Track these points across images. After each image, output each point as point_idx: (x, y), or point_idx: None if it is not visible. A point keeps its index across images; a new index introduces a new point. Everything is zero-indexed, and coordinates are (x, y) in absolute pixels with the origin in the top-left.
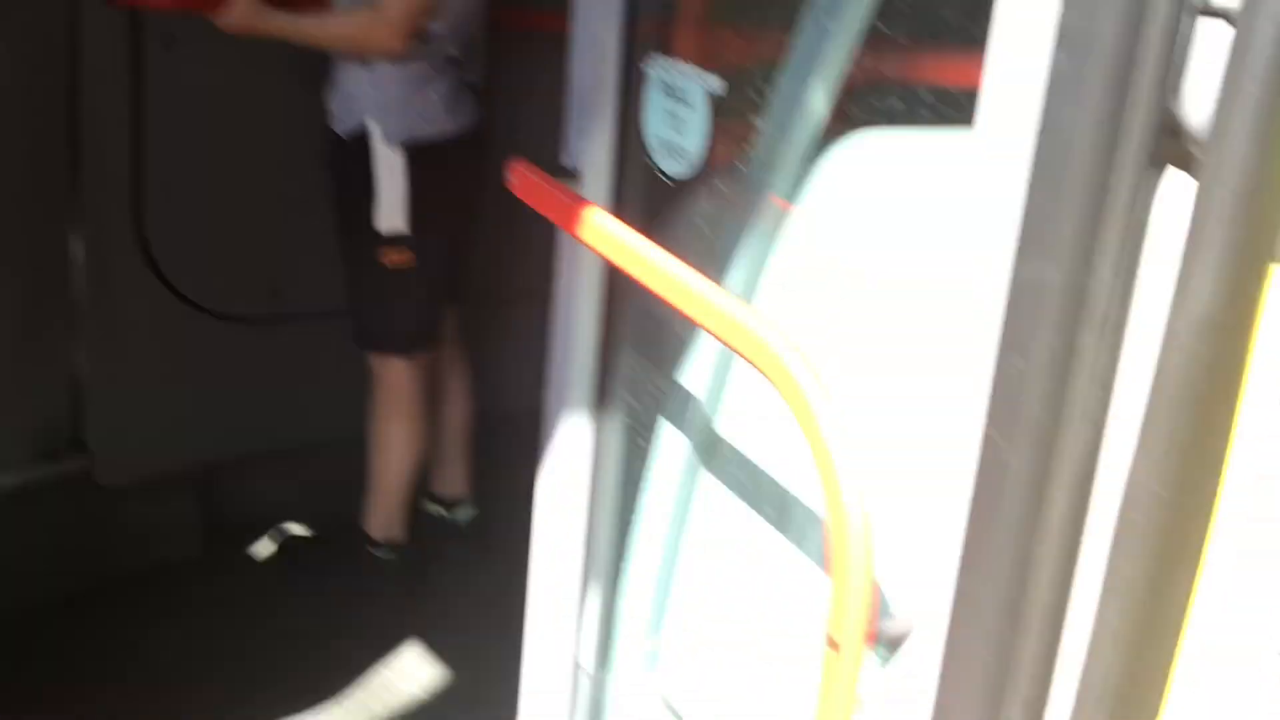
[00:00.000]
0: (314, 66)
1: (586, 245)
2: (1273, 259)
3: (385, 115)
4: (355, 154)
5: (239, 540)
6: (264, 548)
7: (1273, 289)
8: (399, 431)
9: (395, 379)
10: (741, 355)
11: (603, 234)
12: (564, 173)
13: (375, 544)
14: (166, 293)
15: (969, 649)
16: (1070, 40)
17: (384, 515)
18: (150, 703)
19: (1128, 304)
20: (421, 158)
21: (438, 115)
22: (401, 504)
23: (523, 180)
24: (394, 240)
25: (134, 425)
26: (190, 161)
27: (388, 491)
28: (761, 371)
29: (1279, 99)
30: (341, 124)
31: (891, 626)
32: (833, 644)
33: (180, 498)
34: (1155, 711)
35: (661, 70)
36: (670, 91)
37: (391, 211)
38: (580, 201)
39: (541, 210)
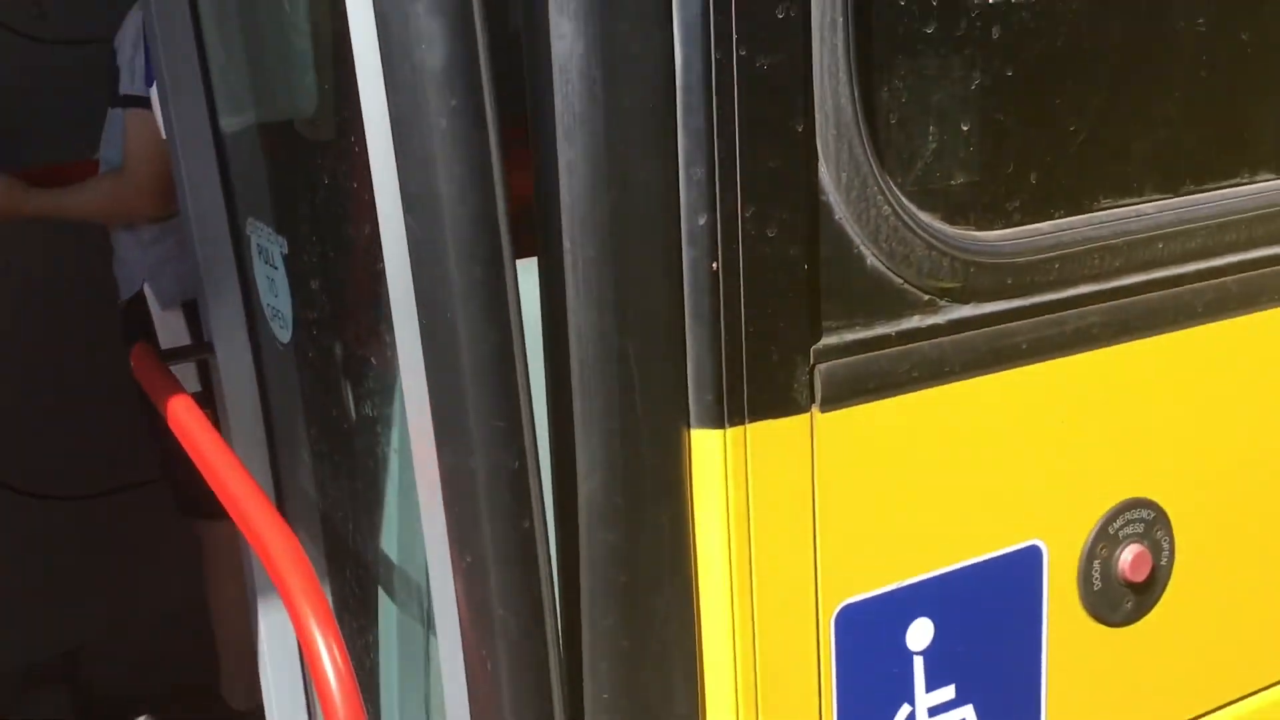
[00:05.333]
0: (100, 237)
1: (175, 430)
2: None
3: (157, 277)
4: (138, 319)
5: None
6: None
7: None
8: (235, 594)
9: (220, 541)
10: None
11: (183, 422)
12: (203, 348)
13: (240, 715)
14: None
15: None
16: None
17: (242, 683)
18: None
19: None
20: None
21: None
22: (255, 669)
23: (140, 363)
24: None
25: None
26: None
27: (239, 657)
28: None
29: None
30: (122, 290)
31: None
32: None
33: (49, 690)
34: None
35: (258, 234)
36: (265, 255)
37: (181, 374)
38: (175, 393)
39: (150, 394)
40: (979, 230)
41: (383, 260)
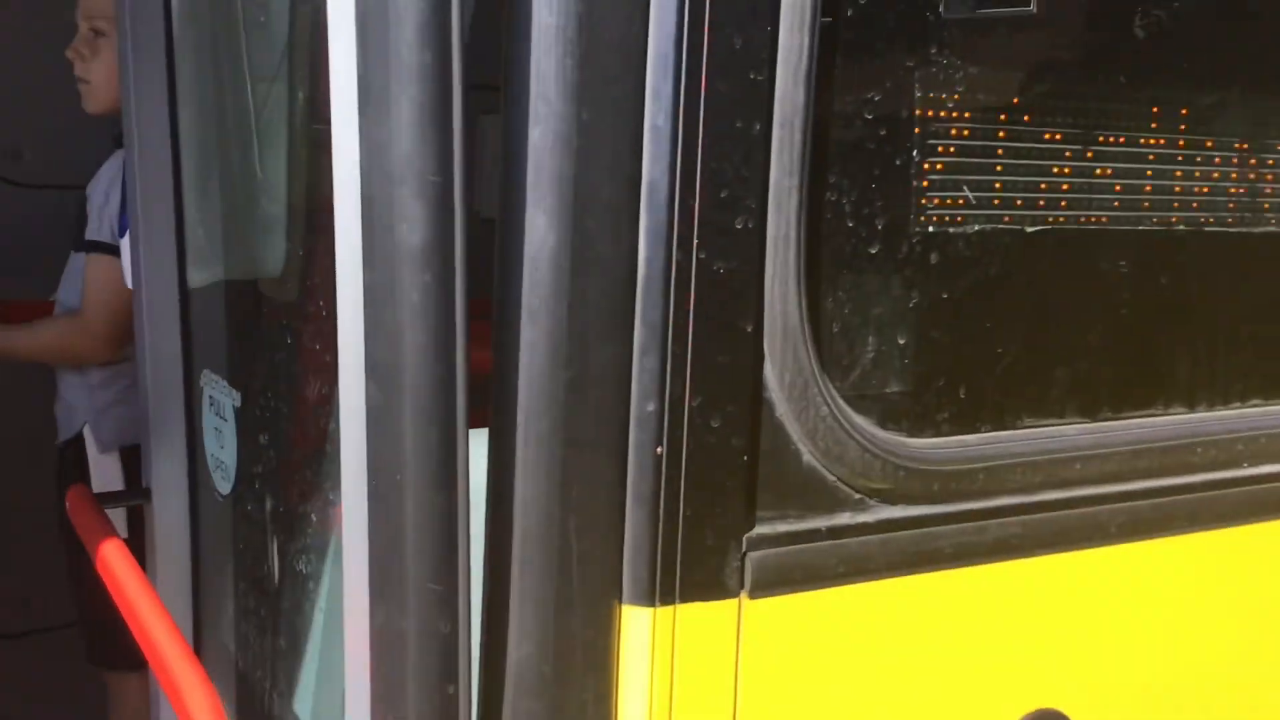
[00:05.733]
0: (44, 375)
1: (103, 573)
2: None
3: (99, 420)
4: (72, 461)
5: None
6: None
7: None
8: None
9: (129, 695)
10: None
11: (111, 566)
12: (140, 493)
13: None
14: None
15: None
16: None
17: None
18: None
19: None
20: (138, 462)
21: None
22: None
23: (75, 505)
24: None
25: None
26: None
27: None
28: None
29: None
30: (61, 431)
31: None
32: None
33: None
34: None
35: (210, 385)
36: (216, 407)
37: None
38: (107, 537)
39: (83, 538)
40: (909, 437)
41: (336, 420)
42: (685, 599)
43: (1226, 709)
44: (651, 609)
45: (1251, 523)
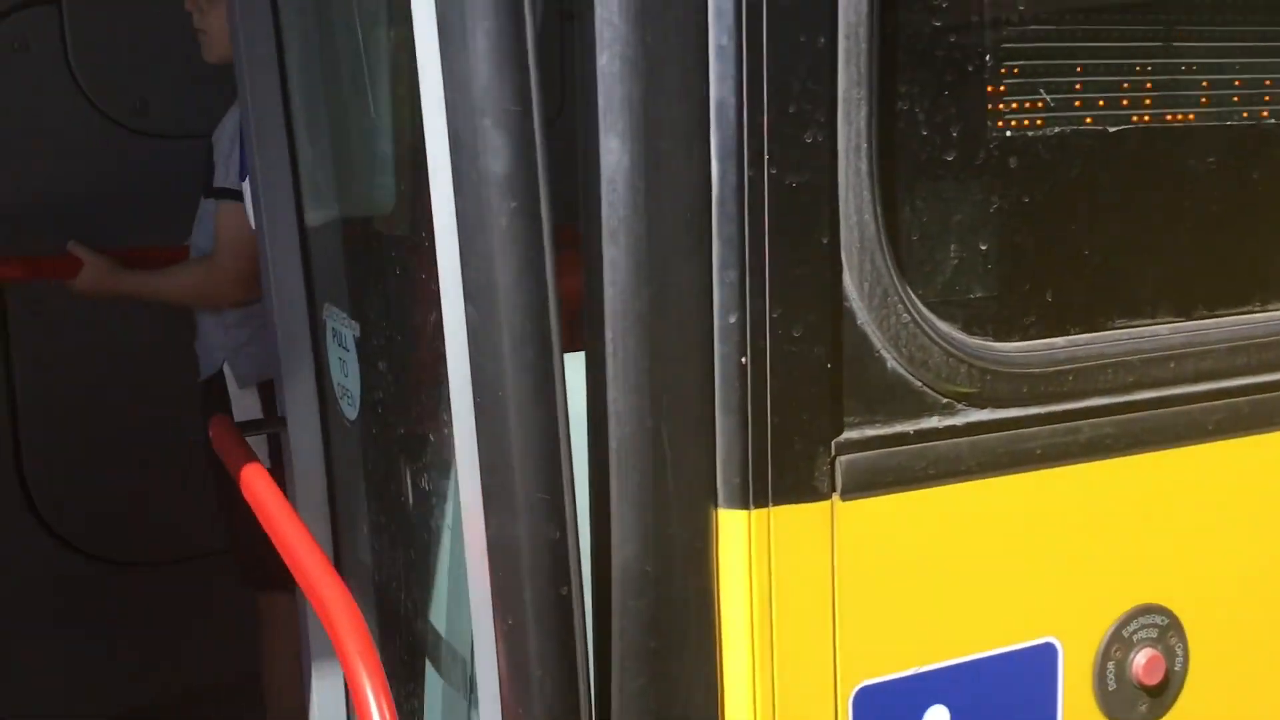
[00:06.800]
0: (185, 315)
1: (248, 497)
2: None
3: (236, 357)
4: (215, 397)
5: None
6: None
7: None
8: (291, 668)
9: (281, 614)
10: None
11: (255, 491)
12: (277, 422)
13: None
14: (52, 542)
15: None
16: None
17: None
18: None
19: None
20: (275, 395)
21: None
22: None
23: (219, 435)
24: None
25: (22, 679)
26: (71, 417)
27: None
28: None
29: None
30: (202, 368)
31: None
32: None
33: None
34: None
35: (333, 319)
36: (339, 338)
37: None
38: (249, 462)
39: (228, 465)
40: (996, 341)
41: (444, 344)
42: (778, 502)
43: None
44: (746, 511)
45: None
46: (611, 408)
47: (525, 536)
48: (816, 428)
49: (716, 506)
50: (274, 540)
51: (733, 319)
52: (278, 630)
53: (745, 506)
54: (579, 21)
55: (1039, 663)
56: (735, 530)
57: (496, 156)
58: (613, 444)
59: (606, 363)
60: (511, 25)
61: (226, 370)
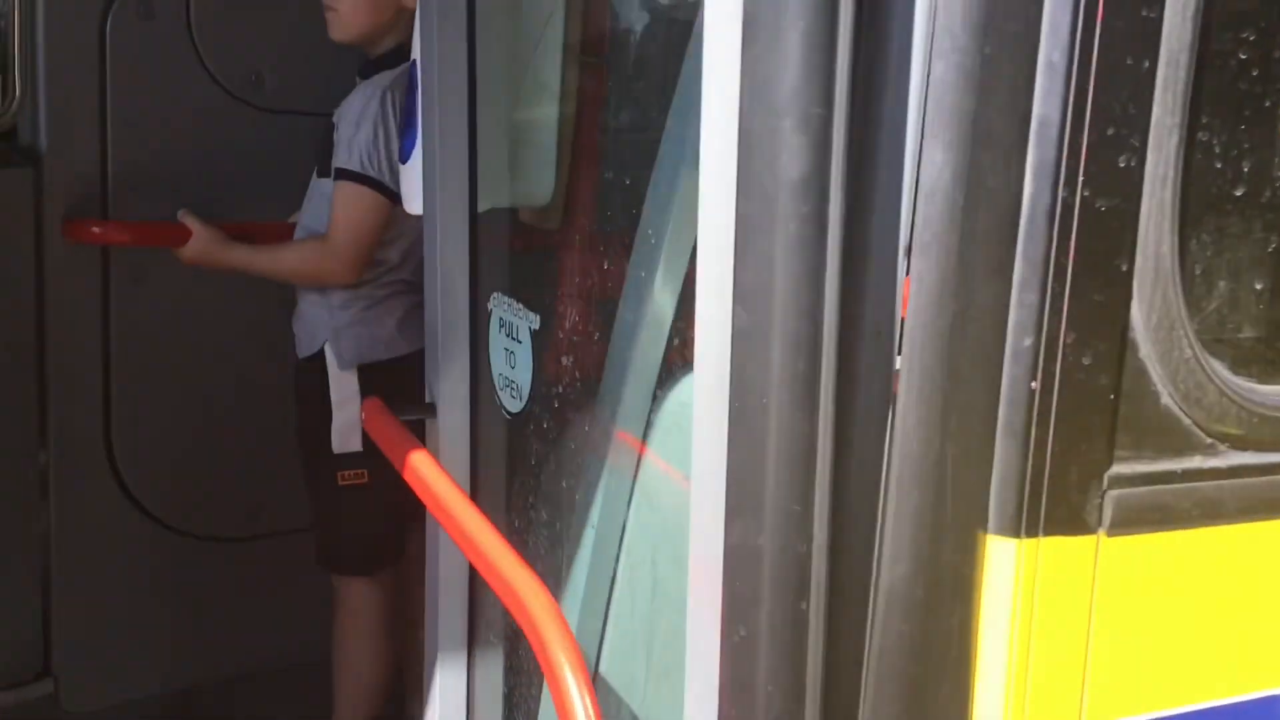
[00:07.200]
0: (283, 293)
1: (411, 483)
2: None
3: (339, 338)
4: (313, 376)
5: None
6: None
7: None
8: (360, 652)
9: (355, 598)
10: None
11: (421, 478)
12: (424, 408)
13: None
14: (136, 514)
15: None
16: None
17: None
18: None
19: None
20: (375, 379)
21: (391, 338)
22: None
23: (373, 419)
24: (349, 460)
25: (102, 649)
26: (161, 388)
27: (352, 717)
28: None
29: None
30: (302, 347)
31: None
32: None
33: None
34: None
35: (501, 308)
36: (507, 329)
37: (346, 432)
38: (411, 445)
39: (385, 450)
40: (1260, 383)
41: (675, 343)
42: (1048, 532)
43: None
44: (1016, 540)
45: None
46: (899, 422)
47: (770, 547)
48: (1093, 459)
49: (987, 533)
50: (445, 525)
51: (1027, 341)
52: (352, 613)
53: (1017, 535)
54: (904, 28)
55: None
56: (1004, 559)
57: (794, 159)
58: (893, 460)
59: (902, 377)
60: (826, 27)
61: (328, 350)
